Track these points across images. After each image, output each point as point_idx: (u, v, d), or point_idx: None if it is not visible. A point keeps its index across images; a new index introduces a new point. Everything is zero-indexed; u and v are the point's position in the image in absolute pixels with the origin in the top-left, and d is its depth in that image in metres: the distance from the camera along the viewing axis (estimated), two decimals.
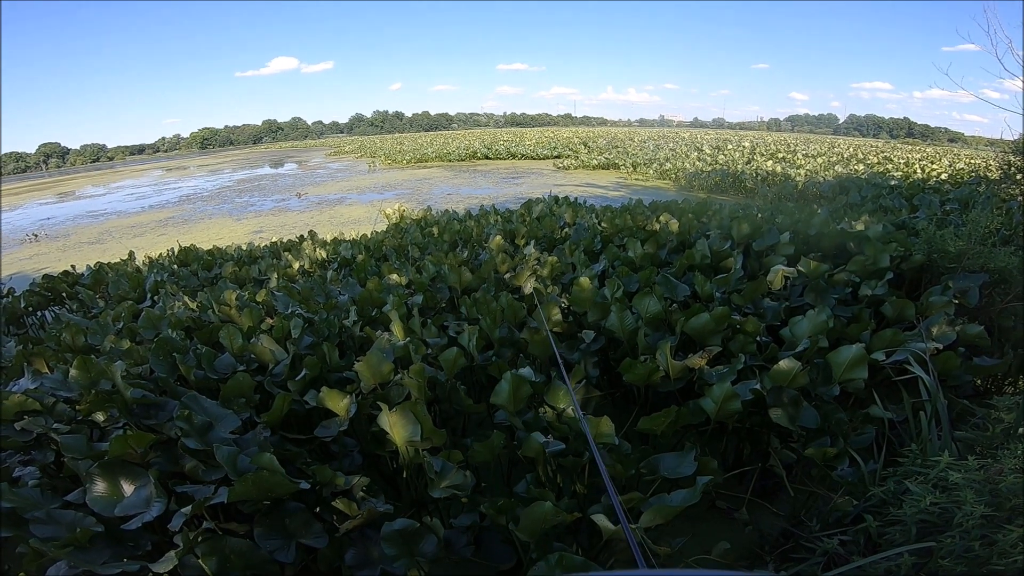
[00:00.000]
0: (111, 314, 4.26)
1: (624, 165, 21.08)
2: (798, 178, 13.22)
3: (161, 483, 1.84)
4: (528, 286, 3.83)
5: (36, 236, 14.45)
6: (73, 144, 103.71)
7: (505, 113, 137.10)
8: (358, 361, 2.56)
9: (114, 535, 1.74)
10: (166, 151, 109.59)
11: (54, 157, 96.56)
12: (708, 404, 2.22)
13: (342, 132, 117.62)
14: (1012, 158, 6.47)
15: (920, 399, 2.20)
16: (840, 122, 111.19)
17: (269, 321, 3.57)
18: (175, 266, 6.43)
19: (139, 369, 2.90)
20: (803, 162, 18.37)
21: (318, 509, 1.93)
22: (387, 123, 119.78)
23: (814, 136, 65.68)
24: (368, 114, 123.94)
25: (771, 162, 18.02)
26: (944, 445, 1.94)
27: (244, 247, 7.23)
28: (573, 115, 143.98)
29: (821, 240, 4.44)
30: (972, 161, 18.34)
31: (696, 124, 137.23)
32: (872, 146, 31.75)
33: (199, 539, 1.66)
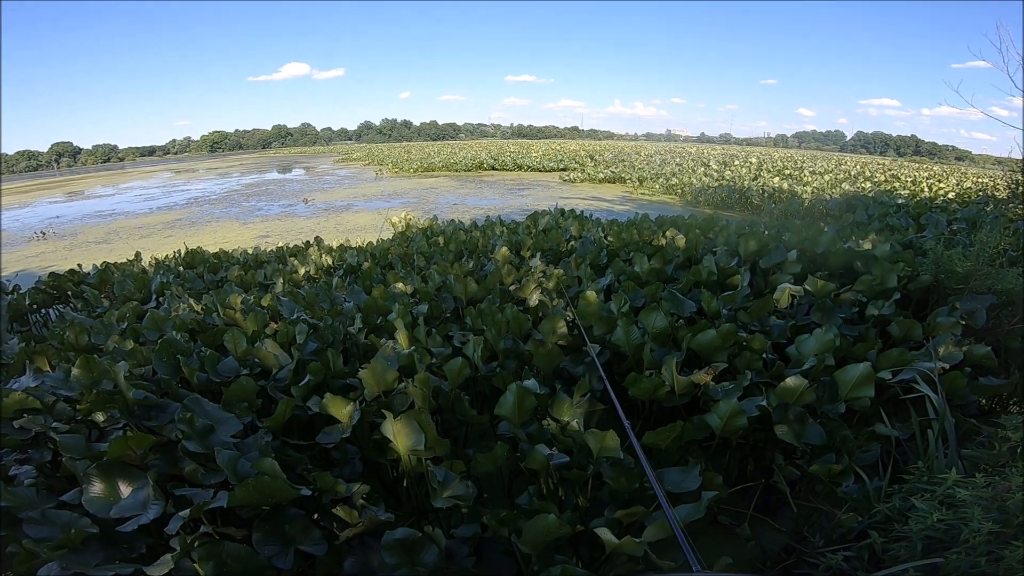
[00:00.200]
0: (115, 314, 4.26)
1: (630, 179, 21.14)
2: (805, 195, 13.24)
3: (159, 486, 1.83)
4: (533, 298, 3.83)
5: (44, 234, 14.54)
6: (85, 144, 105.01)
7: (512, 124, 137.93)
8: (362, 368, 2.55)
9: (108, 537, 1.71)
10: (176, 153, 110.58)
11: (66, 156, 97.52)
12: (714, 420, 2.21)
13: (351, 139, 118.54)
14: (1020, 177, 6.45)
15: (926, 417, 2.20)
16: (847, 139, 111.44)
17: (273, 326, 3.56)
18: (181, 268, 6.45)
19: (142, 370, 2.89)
20: (810, 179, 18.38)
21: (316, 516, 1.91)
22: (395, 131, 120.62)
23: (821, 153, 65.81)
24: (377, 122, 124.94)
25: (778, 179, 18.06)
26: (951, 463, 1.95)
27: (250, 251, 7.26)
28: (580, 128, 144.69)
29: (828, 259, 4.43)
30: (980, 180, 18.35)
31: (703, 139, 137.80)
32: (879, 164, 31.75)
33: (196, 543, 1.64)
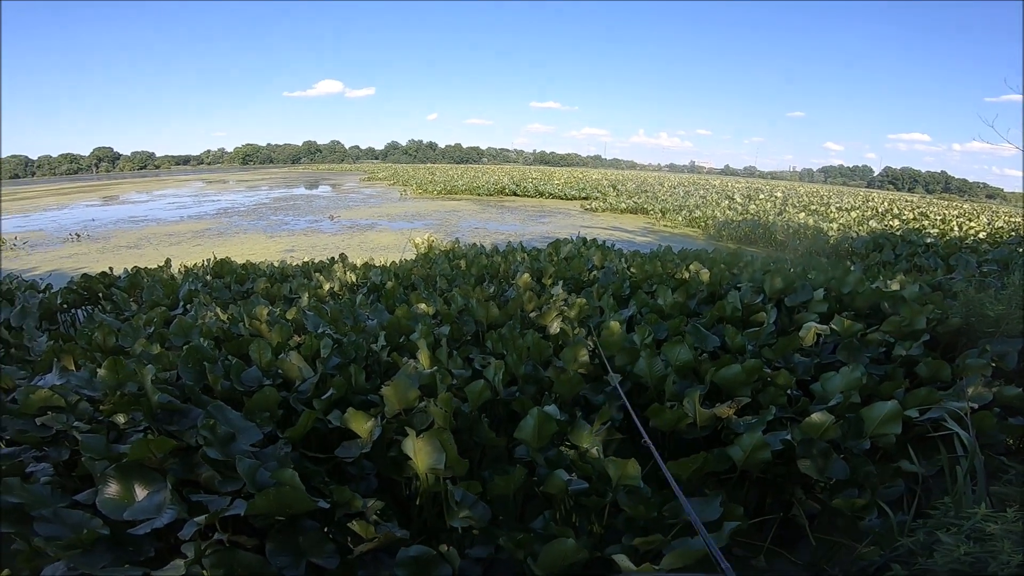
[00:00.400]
0: (143, 318, 4.36)
1: (653, 210, 21.16)
2: (831, 232, 13.11)
3: (176, 490, 1.84)
4: (555, 326, 3.83)
5: (79, 236, 15.07)
6: (124, 150, 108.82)
7: (535, 151, 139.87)
8: (385, 385, 2.57)
9: (118, 539, 1.72)
10: (209, 163, 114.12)
11: (105, 161, 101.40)
12: (736, 452, 2.19)
13: (377, 158, 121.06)
14: None
15: (954, 455, 2.17)
16: (875, 174, 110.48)
17: (297, 339, 3.61)
18: (209, 277, 6.60)
19: (167, 375, 2.94)
20: (836, 215, 18.22)
21: (326, 529, 1.90)
22: (420, 152, 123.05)
23: (848, 188, 65.31)
24: (403, 142, 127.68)
25: (803, 214, 17.94)
26: (979, 499, 1.91)
27: (276, 264, 7.41)
28: (603, 156, 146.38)
29: (855, 299, 4.37)
30: (1012, 219, 17.96)
31: (727, 171, 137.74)
32: (907, 200, 31.34)
33: (208, 550, 1.64)
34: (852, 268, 6.21)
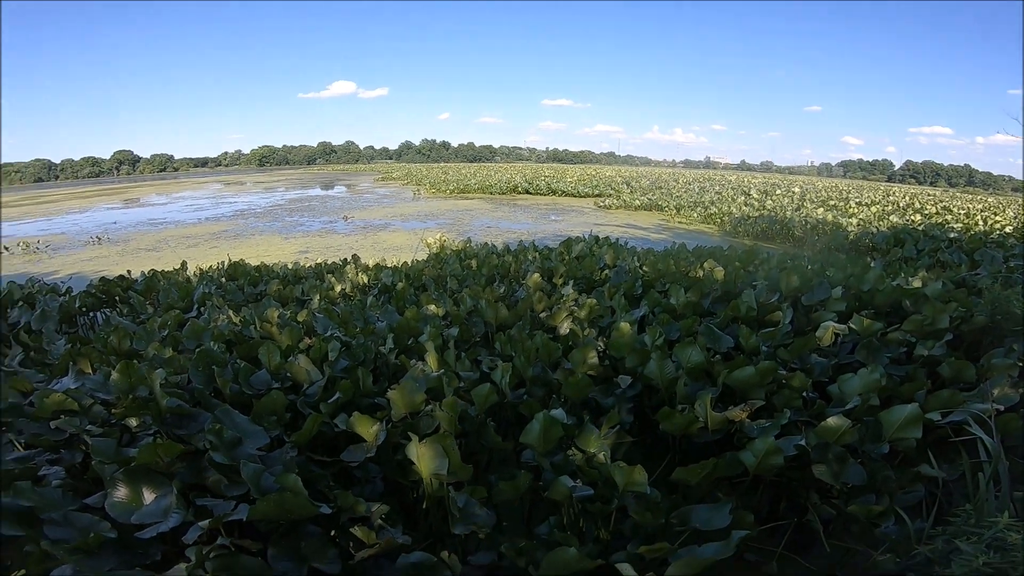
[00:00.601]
0: (158, 321, 4.42)
1: (667, 207, 20.95)
2: (850, 227, 12.83)
3: (182, 495, 1.85)
4: (564, 327, 3.79)
5: (99, 239, 15.37)
6: (144, 153, 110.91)
7: (547, 148, 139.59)
8: (392, 389, 2.56)
9: (125, 543, 1.72)
10: (227, 165, 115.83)
11: (126, 164, 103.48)
12: (748, 457, 2.13)
13: (391, 158, 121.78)
14: None
15: (977, 460, 2.10)
16: (895, 168, 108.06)
17: (308, 341, 3.62)
18: (223, 279, 6.66)
19: (178, 378, 2.96)
20: (856, 210, 17.83)
21: (333, 534, 1.89)
22: (434, 152, 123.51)
23: (867, 183, 63.97)
24: (417, 142, 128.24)
25: (822, 209, 17.59)
26: (1002, 506, 1.85)
27: (290, 266, 7.46)
28: (616, 153, 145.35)
29: (874, 297, 4.26)
30: None
31: (743, 167, 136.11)
32: (929, 195, 30.52)
33: (211, 554, 1.64)
34: (872, 265, 6.07)
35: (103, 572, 1.57)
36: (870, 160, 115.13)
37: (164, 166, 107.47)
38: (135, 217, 21.86)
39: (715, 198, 23.28)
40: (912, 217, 15.24)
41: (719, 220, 17.29)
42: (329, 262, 8.13)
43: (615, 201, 23.59)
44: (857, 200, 23.07)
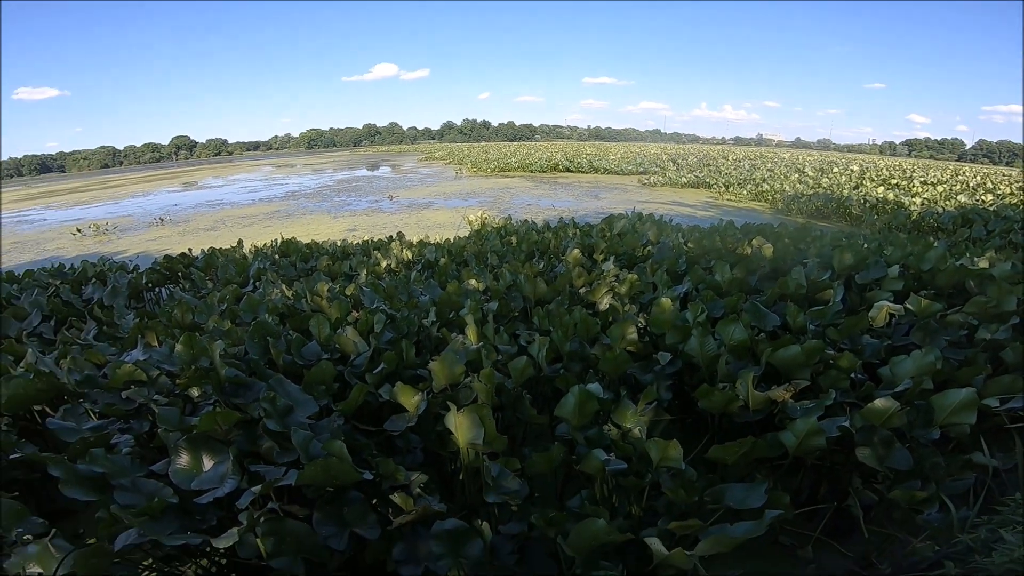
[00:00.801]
0: (217, 295, 4.66)
1: (715, 184, 20.23)
2: (913, 207, 12.08)
3: (238, 461, 1.94)
4: (604, 302, 3.77)
5: (162, 220, 16.25)
6: (200, 138, 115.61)
7: (589, 127, 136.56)
8: (433, 360, 2.63)
9: (185, 508, 1.82)
10: (277, 148, 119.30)
11: (183, 149, 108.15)
12: (788, 438, 2.08)
13: (433, 138, 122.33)
14: None
15: None
16: (967, 148, 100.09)
17: (355, 314, 3.75)
18: (277, 256, 6.95)
19: (236, 350, 3.14)
20: (920, 189, 16.72)
21: (375, 501, 1.97)
22: (475, 131, 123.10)
23: (935, 162, 59.53)
24: (458, 122, 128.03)
25: (882, 188, 16.58)
26: None
27: (339, 243, 7.69)
28: (662, 131, 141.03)
29: (935, 277, 4.02)
30: None
31: (798, 144, 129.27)
32: (1004, 175, 28.12)
33: (261, 519, 1.72)
34: (935, 244, 5.72)
35: (164, 536, 1.65)
36: (938, 139, 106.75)
37: (219, 150, 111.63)
38: (194, 199, 22.94)
39: (767, 175, 22.33)
40: (983, 197, 14.16)
41: (771, 198, 16.59)
42: (375, 239, 8.33)
43: (660, 179, 22.97)
44: (922, 179, 21.58)
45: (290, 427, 2.05)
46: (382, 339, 3.09)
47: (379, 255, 6.20)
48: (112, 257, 7.75)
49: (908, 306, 3.40)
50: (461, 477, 2.24)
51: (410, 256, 6.19)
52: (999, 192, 15.85)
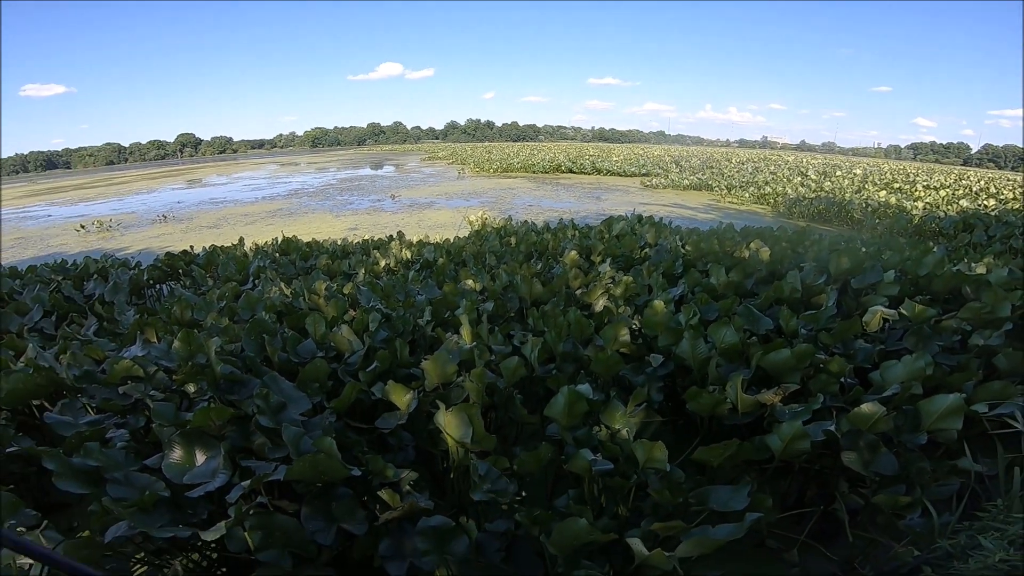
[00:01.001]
0: (217, 293, 4.70)
1: (718, 187, 20.20)
2: (915, 211, 12.05)
3: (230, 456, 1.97)
4: (599, 304, 3.79)
5: (165, 217, 16.32)
6: (205, 135, 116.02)
7: (593, 127, 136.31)
8: (426, 359, 2.66)
9: (176, 502, 1.84)
10: (282, 147, 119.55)
11: (188, 146, 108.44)
12: (774, 441, 2.11)
13: (437, 138, 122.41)
14: None
15: (1019, 454, 2.03)
16: (972, 152, 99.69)
17: (352, 313, 3.78)
18: (277, 254, 6.99)
19: (233, 347, 3.17)
20: (923, 194, 16.67)
21: (365, 498, 1.99)
22: (479, 131, 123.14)
23: (940, 166, 59.27)
24: (462, 121, 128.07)
25: (884, 192, 16.57)
26: None
27: (339, 242, 7.73)
28: (667, 132, 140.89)
29: (931, 282, 4.03)
30: None
31: (803, 147, 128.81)
32: (1009, 179, 27.99)
33: (250, 512, 1.74)
34: (934, 249, 5.72)
35: (154, 528, 1.68)
36: (944, 143, 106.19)
37: (224, 148, 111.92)
38: (198, 197, 23.02)
39: (769, 178, 22.29)
40: (985, 202, 14.11)
41: (772, 201, 16.58)
42: (375, 239, 8.36)
43: (663, 181, 22.95)
44: (925, 183, 21.51)
45: (282, 423, 2.08)
46: (376, 338, 3.12)
47: (378, 254, 6.24)
48: (115, 254, 7.81)
49: (903, 311, 3.41)
50: (452, 476, 2.26)
51: (409, 255, 6.22)
52: (1002, 197, 15.81)
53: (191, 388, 2.62)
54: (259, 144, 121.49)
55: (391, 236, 8.12)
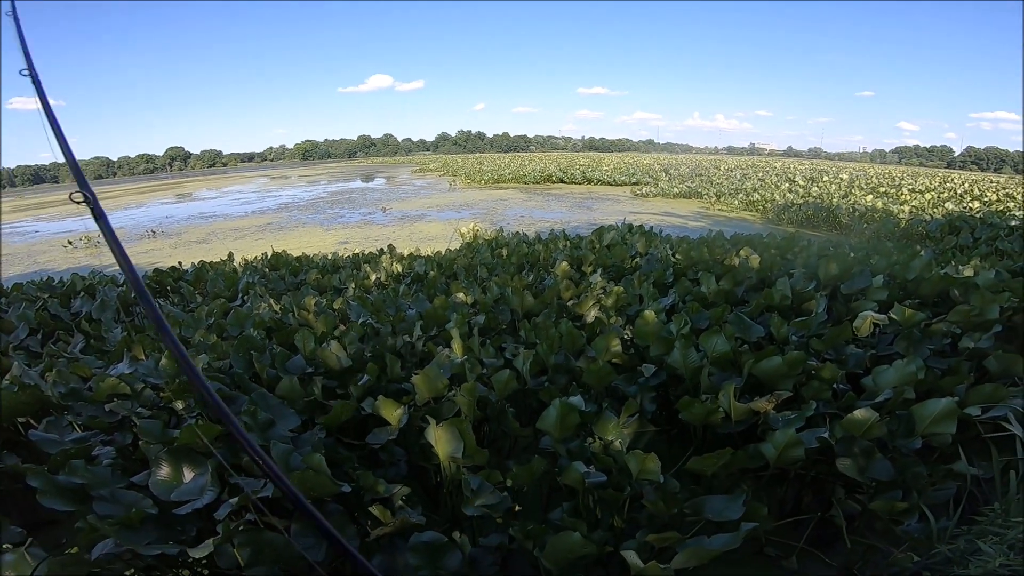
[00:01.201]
0: (205, 309, 4.65)
1: (707, 194, 20.39)
2: (901, 215, 12.20)
3: (218, 473, 1.95)
4: (591, 315, 3.78)
5: (154, 233, 16.20)
6: (195, 149, 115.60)
7: (583, 137, 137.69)
8: (416, 374, 2.63)
9: (164, 519, 1.82)
10: (272, 160, 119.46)
11: (178, 160, 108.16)
12: (768, 449, 2.10)
13: (428, 150, 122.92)
14: None
15: (1014, 457, 2.03)
16: (955, 155, 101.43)
17: (342, 328, 3.75)
18: (266, 269, 6.94)
19: (221, 364, 3.13)
20: (908, 197, 16.90)
21: (356, 514, 1.97)
22: (470, 143, 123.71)
23: (924, 169, 60.20)
24: (453, 133, 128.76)
25: (871, 196, 16.75)
26: None
27: (329, 256, 7.69)
28: (656, 141, 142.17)
29: (920, 285, 4.07)
30: None
31: (790, 153, 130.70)
32: (992, 181, 28.42)
33: (239, 529, 1.73)
34: (921, 253, 5.78)
35: (141, 546, 1.65)
36: (927, 146, 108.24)
37: (213, 161, 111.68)
38: (187, 211, 22.89)
39: (758, 185, 22.50)
40: (970, 204, 14.33)
41: (761, 207, 16.75)
42: (366, 252, 8.33)
43: (652, 189, 23.12)
44: (911, 187, 21.82)
45: (271, 440, 2.05)
46: (366, 353, 3.09)
47: (369, 268, 6.21)
48: (102, 270, 7.71)
49: (892, 316, 3.43)
50: (445, 490, 2.24)
51: (400, 269, 6.20)
52: (986, 199, 16.05)
53: (179, 405, 2.59)
54: (249, 157, 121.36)
55: (382, 250, 8.09)
